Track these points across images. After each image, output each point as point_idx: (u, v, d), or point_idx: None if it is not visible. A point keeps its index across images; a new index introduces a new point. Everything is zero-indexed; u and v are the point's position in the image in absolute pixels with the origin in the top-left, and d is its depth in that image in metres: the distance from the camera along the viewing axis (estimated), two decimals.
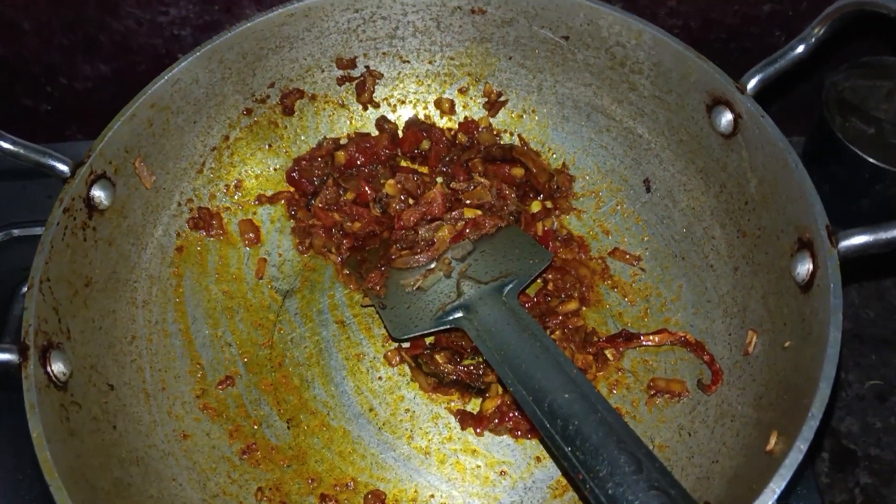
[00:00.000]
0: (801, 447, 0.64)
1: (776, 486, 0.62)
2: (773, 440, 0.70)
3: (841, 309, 0.70)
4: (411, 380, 0.93)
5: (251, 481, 0.87)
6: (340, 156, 1.03)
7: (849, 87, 1.13)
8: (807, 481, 0.91)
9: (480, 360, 0.91)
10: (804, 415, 0.66)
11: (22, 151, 0.83)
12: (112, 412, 0.82)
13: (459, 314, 0.89)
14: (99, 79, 1.18)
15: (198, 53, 0.94)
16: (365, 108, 1.08)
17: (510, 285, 0.90)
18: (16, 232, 1.16)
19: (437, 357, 0.91)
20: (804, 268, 0.77)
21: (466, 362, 0.92)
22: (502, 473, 0.87)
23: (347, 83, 1.06)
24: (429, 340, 0.94)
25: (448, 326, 0.90)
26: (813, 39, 0.85)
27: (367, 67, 1.06)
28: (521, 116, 1.08)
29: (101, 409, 0.81)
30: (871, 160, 1.06)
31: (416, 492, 0.86)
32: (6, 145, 0.82)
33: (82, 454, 0.74)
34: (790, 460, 0.63)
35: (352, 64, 1.05)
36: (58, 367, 0.76)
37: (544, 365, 0.78)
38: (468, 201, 0.99)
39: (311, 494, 0.86)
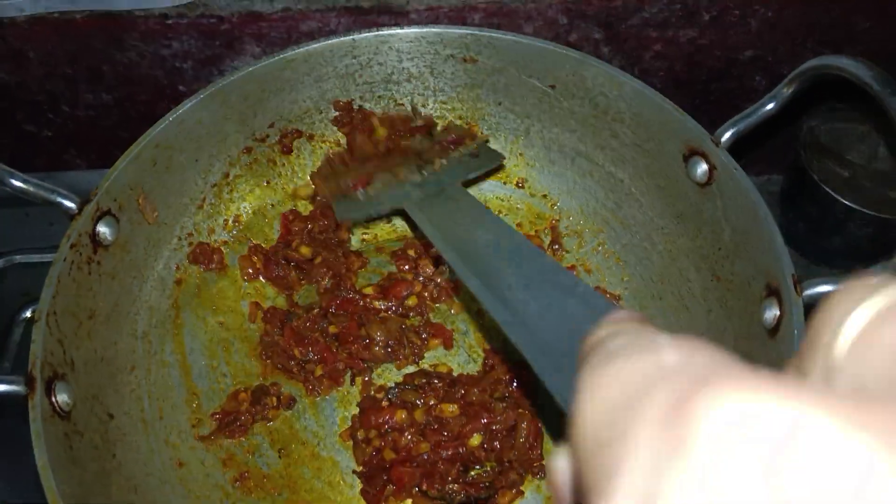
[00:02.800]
0: None
1: None
2: None
3: None
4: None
5: None
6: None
7: (825, 130, 1.18)
8: None
9: (486, 468, 0.91)
10: None
11: (31, 189, 0.87)
12: (112, 441, 0.86)
13: (403, 198, 0.97)
14: (100, 107, 1.22)
15: (202, 95, 0.98)
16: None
17: (453, 175, 1.00)
18: (17, 258, 1.19)
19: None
20: (771, 314, 0.82)
21: (474, 472, 0.90)
22: None
23: (341, 126, 1.11)
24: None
25: (390, 208, 0.99)
26: (783, 98, 0.91)
27: (359, 108, 1.11)
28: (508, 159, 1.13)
29: (102, 438, 0.85)
30: (844, 201, 1.11)
31: None
32: (16, 183, 0.86)
33: (84, 482, 0.77)
34: None
35: (349, 106, 1.09)
36: (62, 398, 0.79)
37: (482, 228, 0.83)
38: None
39: None
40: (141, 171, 0.95)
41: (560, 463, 0.34)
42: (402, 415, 0.91)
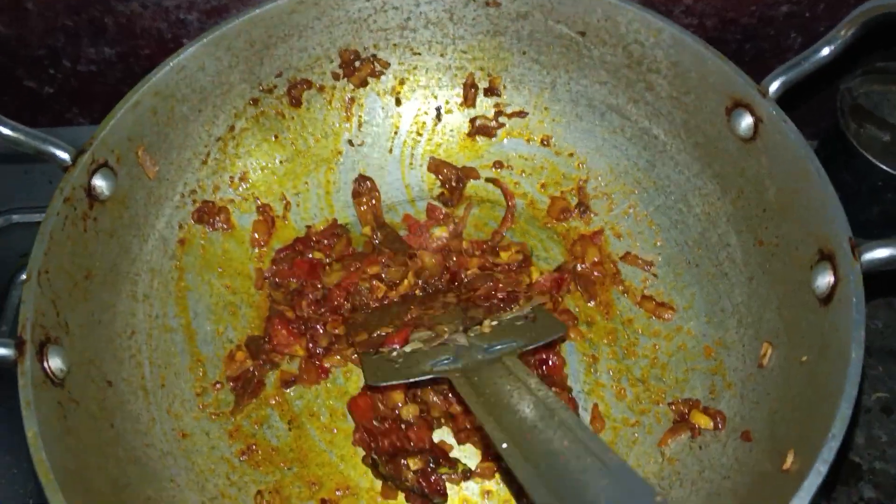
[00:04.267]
0: (820, 469, 0.62)
1: None
2: (789, 458, 0.68)
3: (863, 325, 0.68)
4: None
5: (250, 483, 0.85)
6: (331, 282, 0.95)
7: (863, 94, 1.11)
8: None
9: (454, 470, 0.85)
10: (824, 435, 0.64)
11: (22, 137, 0.81)
12: (110, 409, 0.80)
13: (448, 366, 0.81)
14: (103, 62, 1.16)
15: (204, 40, 0.91)
16: (358, 87, 1.04)
17: (511, 346, 0.82)
18: (15, 217, 1.14)
19: (410, 461, 0.82)
20: (824, 280, 0.75)
21: (442, 471, 0.84)
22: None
23: (346, 79, 1.03)
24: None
25: (431, 377, 0.82)
26: (839, 42, 0.83)
27: (373, 56, 1.03)
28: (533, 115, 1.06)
29: (99, 407, 0.79)
30: (883, 167, 1.04)
31: None
32: (6, 131, 0.80)
33: (79, 453, 0.72)
34: (809, 482, 0.61)
35: (356, 56, 1.02)
36: (55, 364, 0.74)
37: (542, 420, 0.67)
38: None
39: (311, 499, 0.84)
40: (140, 121, 0.88)
41: None
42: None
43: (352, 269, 0.94)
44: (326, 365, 0.91)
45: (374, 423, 0.85)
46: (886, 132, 1.08)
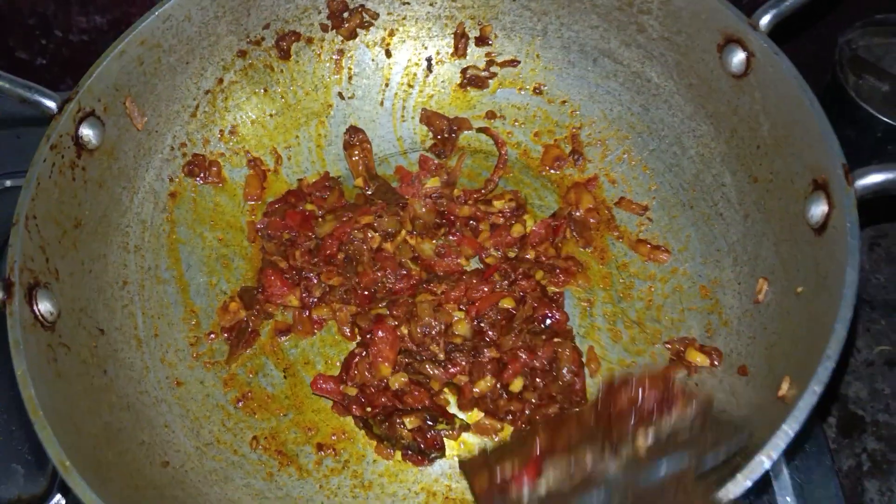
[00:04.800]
0: (815, 389, 0.61)
1: (790, 428, 0.60)
2: (785, 386, 0.68)
3: (858, 249, 0.68)
4: None
5: (246, 430, 0.84)
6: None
7: (863, 46, 1.10)
8: (816, 440, 0.88)
9: (451, 426, 0.83)
10: (819, 356, 0.63)
11: (7, 86, 0.80)
12: (102, 357, 0.80)
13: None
14: (94, 30, 1.15)
15: None
16: (347, 40, 1.03)
17: (681, 462, 0.62)
18: (8, 182, 1.13)
19: (406, 419, 0.79)
20: (818, 210, 0.74)
21: (440, 427, 0.82)
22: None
23: (335, 31, 1.02)
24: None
25: None
26: None
27: (362, 6, 1.02)
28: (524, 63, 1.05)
29: (91, 353, 0.79)
30: (884, 119, 1.03)
31: None
32: None
33: (70, 396, 0.72)
34: (804, 402, 0.61)
35: (345, 7, 1.01)
36: (45, 307, 0.73)
37: None
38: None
39: (307, 443, 0.84)
40: (126, 70, 0.87)
41: None
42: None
43: (344, 220, 0.93)
44: (319, 317, 0.91)
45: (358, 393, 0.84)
46: (886, 83, 1.07)
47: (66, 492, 0.86)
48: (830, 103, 1.09)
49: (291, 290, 0.91)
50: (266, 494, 0.80)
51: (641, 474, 0.61)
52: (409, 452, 0.82)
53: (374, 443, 0.84)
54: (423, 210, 0.94)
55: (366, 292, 0.90)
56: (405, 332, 0.85)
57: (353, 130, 1.02)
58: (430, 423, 0.81)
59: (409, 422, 0.80)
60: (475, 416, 0.85)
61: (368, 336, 0.85)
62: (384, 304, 0.89)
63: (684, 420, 0.64)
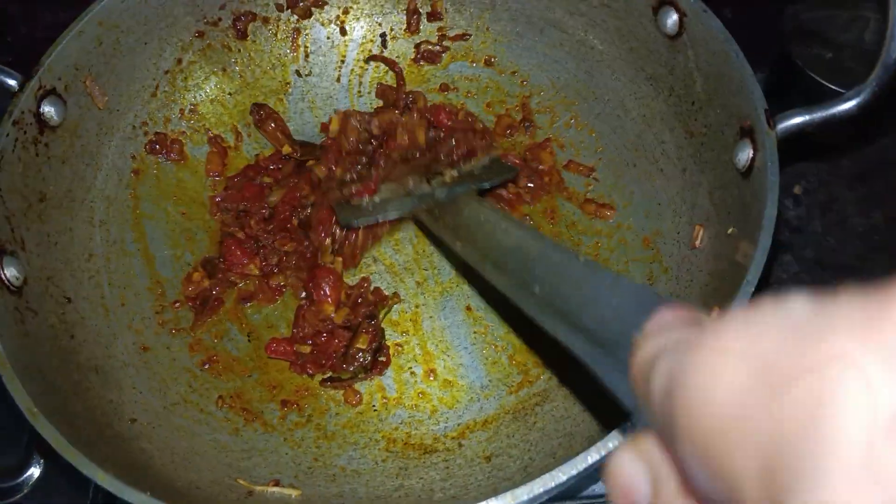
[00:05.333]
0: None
1: None
2: (714, 315, 0.72)
3: (777, 185, 0.72)
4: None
5: (212, 390, 0.88)
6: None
7: (808, 18, 1.14)
8: None
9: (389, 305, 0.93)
10: (741, 282, 0.67)
11: None
12: (70, 322, 0.83)
13: (413, 206, 0.91)
14: (59, 27, 1.16)
15: None
16: (302, 18, 1.07)
17: (469, 188, 0.91)
18: None
19: (359, 343, 0.88)
20: (745, 154, 0.79)
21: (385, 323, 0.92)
22: (459, 375, 0.89)
23: (290, 10, 1.05)
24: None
25: (399, 215, 0.92)
26: None
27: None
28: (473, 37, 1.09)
29: (59, 319, 0.82)
30: (831, 86, 1.07)
31: (379, 394, 0.88)
32: None
33: (38, 355, 0.75)
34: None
35: None
36: (10, 272, 0.76)
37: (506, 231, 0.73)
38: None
39: (272, 401, 0.87)
40: (86, 50, 0.91)
41: (628, 464, 0.33)
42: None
43: (291, 185, 0.97)
44: (277, 284, 0.94)
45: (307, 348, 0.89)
46: (829, 51, 1.10)
47: (45, 454, 0.89)
48: (779, 74, 1.14)
49: (251, 260, 0.94)
50: (232, 447, 0.83)
51: (444, 192, 0.90)
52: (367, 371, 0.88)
53: (338, 395, 0.87)
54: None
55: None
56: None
57: (257, 107, 1.05)
58: (372, 324, 0.89)
59: (362, 342, 0.86)
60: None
61: (311, 284, 0.89)
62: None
63: (479, 165, 0.97)
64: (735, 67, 0.81)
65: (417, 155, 0.95)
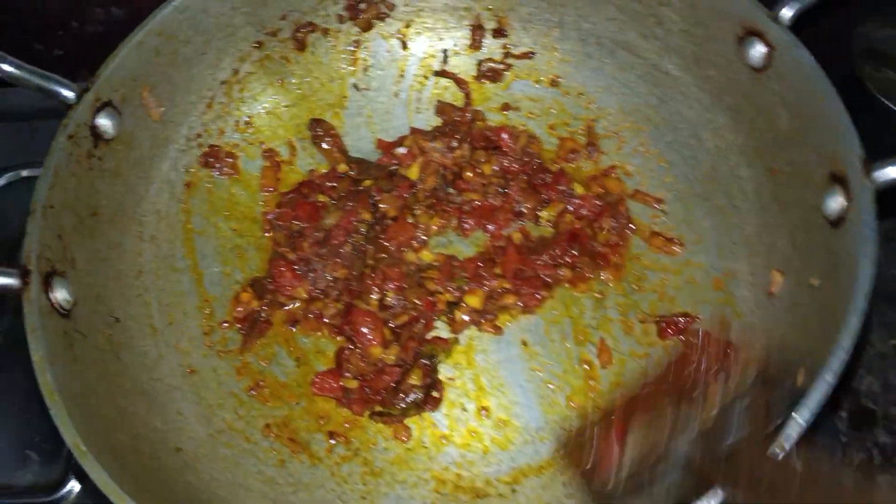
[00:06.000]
0: (828, 379, 0.61)
1: (801, 419, 0.59)
2: (799, 378, 0.67)
3: (875, 241, 0.67)
4: None
5: (258, 418, 0.85)
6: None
7: (879, 37, 1.08)
8: (828, 433, 0.87)
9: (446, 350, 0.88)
10: (832, 349, 0.62)
11: (25, 75, 0.81)
12: (117, 344, 0.81)
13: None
14: (111, 22, 1.16)
15: None
16: (363, 31, 1.03)
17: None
18: (24, 173, 1.14)
19: (412, 378, 0.84)
20: (835, 203, 0.73)
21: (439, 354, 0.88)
22: (513, 414, 0.85)
23: (351, 22, 1.02)
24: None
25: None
26: None
27: None
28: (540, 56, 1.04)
29: (106, 340, 0.80)
30: None
31: (429, 430, 0.85)
32: (8, 68, 0.80)
33: (85, 381, 0.73)
34: (817, 392, 0.60)
35: None
36: (61, 295, 0.74)
37: None
38: None
39: (319, 431, 0.85)
40: (144, 61, 0.88)
41: None
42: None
43: (347, 209, 0.93)
44: (319, 312, 0.91)
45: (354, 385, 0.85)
46: None
47: (82, 478, 0.87)
48: (847, 95, 1.07)
49: (300, 283, 0.91)
50: (277, 480, 0.81)
51: (710, 443, 0.60)
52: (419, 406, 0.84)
53: (387, 430, 0.84)
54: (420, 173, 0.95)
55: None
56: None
57: (315, 123, 1.02)
58: (427, 363, 0.85)
59: (415, 377, 0.83)
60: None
61: (348, 328, 0.86)
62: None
63: (744, 380, 0.62)
64: (827, 108, 0.76)
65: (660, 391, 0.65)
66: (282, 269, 0.91)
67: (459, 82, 1.04)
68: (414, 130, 1.01)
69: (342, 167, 0.99)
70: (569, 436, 0.71)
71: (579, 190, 0.96)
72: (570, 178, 0.97)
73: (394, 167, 0.99)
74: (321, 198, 0.98)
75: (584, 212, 0.94)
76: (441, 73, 1.05)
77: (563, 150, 1.01)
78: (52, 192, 0.77)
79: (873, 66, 1.04)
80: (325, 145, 1.00)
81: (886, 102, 1.01)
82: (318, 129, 1.01)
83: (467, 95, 1.04)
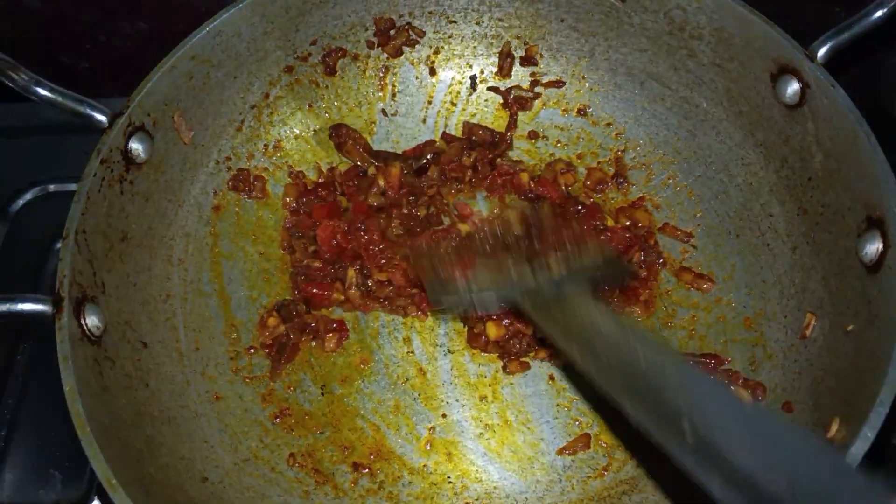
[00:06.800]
0: (868, 434, 0.60)
1: None
2: (834, 427, 0.66)
3: None
4: (448, 350, 0.90)
5: (283, 447, 0.85)
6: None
7: None
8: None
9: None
10: (871, 401, 0.62)
11: (60, 100, 0.81)
12: (145, 370, 0.81)
13: (515, 296, 0.81)
14: (138, 37, 1.16)
15: (240, 6, 0.91)
16: (392, 57, 1.04)
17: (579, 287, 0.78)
18: (52, 187, 1.15)
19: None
20: (873, 247, 0.73)
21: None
22: (541, 452, 0.84)
23: (381, 48, 1.02)
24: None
25: (498, 306, 0.84)
26: (892, 4, 0.80)
27: (408, 24, 1.02)
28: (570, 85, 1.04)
29: (134, 367, 0.80)
30: None
31: (453, 465, 0.84)
32: (45, 93, 0.80)
33: (115, 410, 0.72)
34: (857, 448, 0.59)
35: (391, 24, 1.01)
36: (92, 321, 0.74)
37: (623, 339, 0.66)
38: None
39: (343, 462, 0.84)
40: (176, 85, 0.88)
41: None
42: None
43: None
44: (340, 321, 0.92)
45: None
46: None
47: (105, 497, 0.87)
48: (875, 128, 1.07)
49: (331, 288, 0.91)
50: None
51: (549, 288, 0.79)
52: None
53: (411, 461, 0.83)
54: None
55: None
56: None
57: (335, 129, 1.02)
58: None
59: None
60: None
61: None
62: None
63: (588, 264, 0.82)
64: (864, 151, 0.75)
65: (518, 240, 0.86)
66: (305, 286, 0.92)
67: (508, 102, 1.04)
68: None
69: (372, 170, 0.99)
70: (421, 251, 0.89)
71: (609, 222, 0.95)
72: (602, 211, 0.96)
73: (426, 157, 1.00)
74: (341, 198, 0.98)
75: (613, 245, 0.94)
76: (493, 89, 1.05)
77: (591, 181, 1.01)
78: (84, 218, 0.77)
79: None
80: (349, 148, 1.00)
81: None
82: (339, 133, 1.01)
83: (512, 119, 1.04)
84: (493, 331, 0.88)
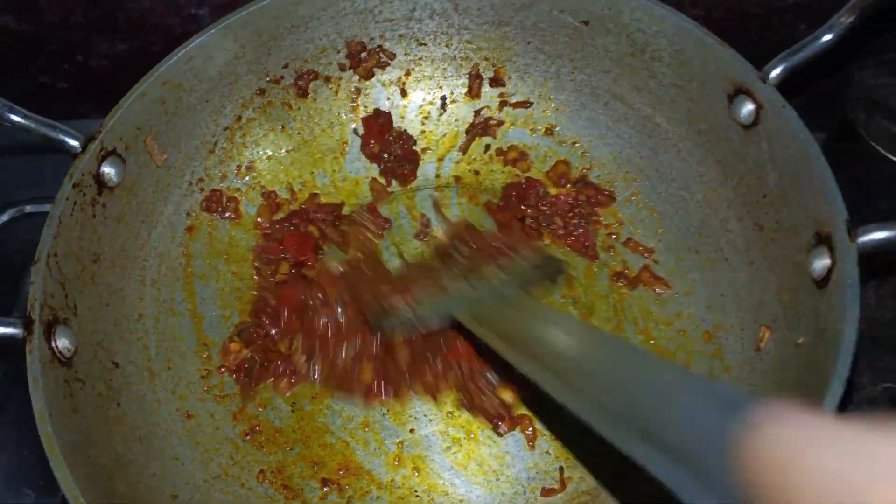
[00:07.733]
0: None
1: None
2: None
3: (858, 305, 0.68)
4: None
5: (253, 463, 0.86)
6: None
7: (873, 85, 1.10)
8: None
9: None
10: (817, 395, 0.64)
11: (33, 125, 0.83)
12: (116, 389, 0.82)
13: (454, 309, 0.84)
14: (115, 57, 1.18)
15: (212, 30, 0.93)
16: (364, 79, 1.06)
17: (510, 284, 0.85)
18: (28, 208, 1.16)
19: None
20: (821, 263, 0.75)
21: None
22: (506, 465, 0.86)
23: (352, 70, 1.04)
24: None
25: (439, 321, 0.86)
26: (840, 28, 0.83)
27: (379, 47, 1.04)
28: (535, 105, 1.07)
29: (106, 386, 0.81)
30: (894, 159, 1.03)
31: (421, 479, 0.86)
32: (17, 118, 0.82)
33: (84, 430, 0.74)
34: None
35: (362, 47, 1.03)
36: (63, 343, 0.76)
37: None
38: None
39: (313, 478, 0.86)
40: (148, 110, 0.90)
41: None
42: None
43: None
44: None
45: None
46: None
47: None
48: (840, 141, 1.10)
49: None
50: None
51: (487, 292, 0.84)
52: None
53: (379, 476, 0.85)
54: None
55: None
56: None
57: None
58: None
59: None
60: None
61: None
62: None
63: (524, 263, 0.88)
64: (814, 170, 0.78)
65: (452, 257, 0.90)
66: (262, 317, 0.93)
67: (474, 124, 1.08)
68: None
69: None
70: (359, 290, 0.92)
71: (553, 191, 1.00)
72: (543, 184, 1.01)
73: None
74: (311, 228, 0.99)
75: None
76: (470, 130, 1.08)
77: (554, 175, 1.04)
78: (56, 241, 0.79)
79: (866, 114, 1.06)
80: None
81: (878, 148, 1.03)
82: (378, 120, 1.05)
83: (470, 139, 1.07)
84: (507, 395, 0.89)
